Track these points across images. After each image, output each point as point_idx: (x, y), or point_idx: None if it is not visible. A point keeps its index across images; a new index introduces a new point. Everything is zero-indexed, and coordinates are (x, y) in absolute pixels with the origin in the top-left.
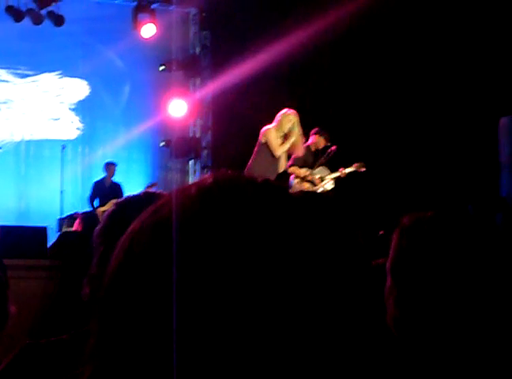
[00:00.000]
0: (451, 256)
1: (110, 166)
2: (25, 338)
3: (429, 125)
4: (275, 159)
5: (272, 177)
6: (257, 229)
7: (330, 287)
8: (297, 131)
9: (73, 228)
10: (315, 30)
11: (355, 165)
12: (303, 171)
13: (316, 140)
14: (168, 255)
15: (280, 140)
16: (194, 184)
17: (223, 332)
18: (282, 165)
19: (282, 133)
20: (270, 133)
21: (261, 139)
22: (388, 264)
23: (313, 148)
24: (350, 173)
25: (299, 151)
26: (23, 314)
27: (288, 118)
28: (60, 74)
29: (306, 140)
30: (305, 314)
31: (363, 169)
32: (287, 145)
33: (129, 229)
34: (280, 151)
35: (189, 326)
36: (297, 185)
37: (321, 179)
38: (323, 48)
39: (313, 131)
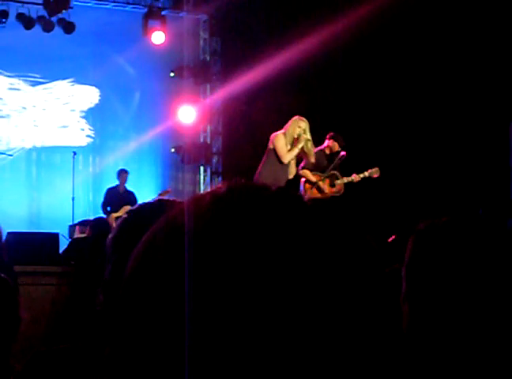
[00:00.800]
0: (466, 261)
1: (122, 174)
2: (38, 343)
3: (440, 129)
4: (284, 166)
5: (282, 183)
6: (272, 237)
7: (345, 293)
8: (306, 137)
9: (85, 234)
10: (325, 36)
11: (370, 171)
12: (314, 175)
13: (331, 145)
14: (183, 263)
15: (288, 147)
16: (208, 192)
17: (237, 339)
18: (292, 171)
19: (291, 139)
20: (278, 139)
21: (270, 145)
22: (403, 270)
23: (327, 152)
24: (363, 178)
25: (311, 158)
26: (35, 320)
27: (296, 123)
28: (70, 81)
29: (317, 145)
30: (321, 320)
31: (377, 175)
32: (294, 151)
33: (144, 237)
34: (288, 157)
35: (203, 332)
36: (307, 191)
37: (333, 184)
38: (333, 54)
39: (328, 135)
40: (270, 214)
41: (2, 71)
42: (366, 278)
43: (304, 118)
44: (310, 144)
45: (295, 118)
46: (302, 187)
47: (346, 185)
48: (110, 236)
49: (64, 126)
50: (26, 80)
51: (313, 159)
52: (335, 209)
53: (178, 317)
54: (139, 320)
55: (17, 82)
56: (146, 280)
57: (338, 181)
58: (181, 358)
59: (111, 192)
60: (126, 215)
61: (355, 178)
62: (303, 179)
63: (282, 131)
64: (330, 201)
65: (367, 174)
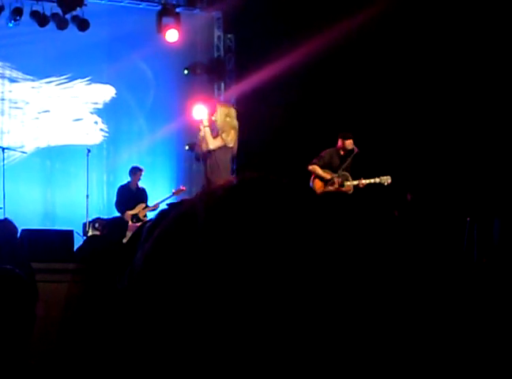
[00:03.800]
0: None
1: (136, 171)
2: (52, 340)
3: (459, 131)
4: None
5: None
6: (283, 228)
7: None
8: (208, 121)
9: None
10: (340, 33)
11: (381, 177)
12: (324, 173)
13: (346, 144)
14: (195, 254)
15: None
16: (221, 185)
17: (244, 331)
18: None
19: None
20: None
21: None
22: None
23: (342, 153)
24: (371, 184)
25: (209, 143)
26: (49, 317)
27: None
28: (87, 80)
29: (331, 145)
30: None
31: (389, 182)
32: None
33: (157, 230)
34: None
35: (207, 323)
36: (317, 188)
37: (342, 185)
38: (349, 51)
39: (340, 134)
40: (281, 205)
41: (17, 71)
42: (379, 273)
43: (221, 103)
44: (207, 128)
45: None
46: (311, 184)
47: (355, 187)
48: (147, 224)
49: (78, 124)
50: (41, 79)
51: (212, 144)
52: (349, 204)
53: (191, 308)
54: (148, 313)
55: (32, 82)
56: (158, 273)
57: (348, 183)
58: (189, 349)
59: (123, 190)
60: (166, 207)
61: (360, 183)
62: (313, 176)
63: None
64: (340, 196)
65: (377, 180)
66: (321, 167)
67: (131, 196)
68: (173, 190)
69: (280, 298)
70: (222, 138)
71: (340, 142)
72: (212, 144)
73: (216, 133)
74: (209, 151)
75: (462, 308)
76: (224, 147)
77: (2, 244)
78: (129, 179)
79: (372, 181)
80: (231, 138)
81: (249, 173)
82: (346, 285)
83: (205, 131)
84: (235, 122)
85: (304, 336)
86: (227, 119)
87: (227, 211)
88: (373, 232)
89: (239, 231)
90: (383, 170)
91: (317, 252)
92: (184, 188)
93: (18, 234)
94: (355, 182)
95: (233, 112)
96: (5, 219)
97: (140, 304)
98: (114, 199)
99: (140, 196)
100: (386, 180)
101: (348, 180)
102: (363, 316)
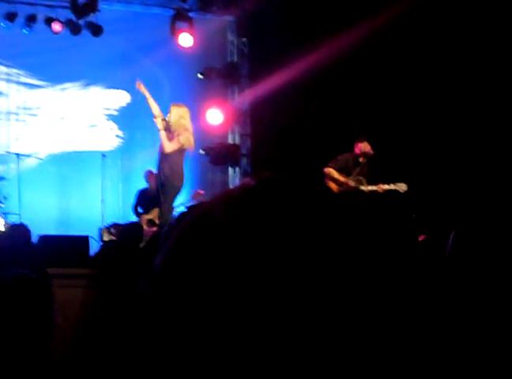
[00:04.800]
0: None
1: (149, 175)
2: (67, 345)
3: (472, 134)
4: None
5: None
6: (300, 228)
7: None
8: (162, 123)
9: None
10: (355, 37)
11: (398, 184)
12: (340, 177)
13: (361, 148)
14: (214, 256)
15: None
16: (238, 186)
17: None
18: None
19: None
20: None
21: None
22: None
23: (360, 159)
24: (389, 190)
25: (166, 147)
26: (65, 322)
27: None
28: (99, 86)
29: (346, 150)
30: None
31: (404, 189)
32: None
33: (176, 231)
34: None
35: (225, 322)
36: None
37: (357, 189)
38: (364, 55)
39: (355, 141)
40: (298, 205)
41: (32, 78)
42: (400, 273)
43: (175, 103)
44: (162, 130)
45: None
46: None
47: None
48: (165, 228)
49: (93, 129)
50: (56, 86)
51: (168, 148)
52: (368, 203)
53: (211, 309)
54: (169, 313)
55: (47, 88)
56: (178, 275)
57: (362, 188)
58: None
59: (142, 194)
60: (185, 210)
61: (379, 188)
62: (326, 178)
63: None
64: (359, 195)
65: (393, 186)
66: (337, 171)
67: (150, 200)
68: (191, 194)
69: (298, 297)
70: (179, 141)
71: (356, 148)
72: (170, 147)
73: (171, 135)
74: (166, 155)
75: (465, 311)
76: (180, 149)
77: (18, 249)
78: (147, 184)
79: (388, 187)
80: (188, 141)
81: (265, 174)
82: (360, 284)
83: (161, 134)
84: (189, 124)
85: (319, 337)
86: (182, 121)
87: (245, 212)
88: (391, 233)
89: (258, 232)
90: (397, 177)
91: (336, 252)
92: (202, 191)
93: (34, 240)
94: (371, 187)
95: (187, 113)
96: (21, 224)
97: (160, 306)
98: (131, 203)
99: (157, 200)
100: (401, 187)
101: (362, 184)
102: (367, 317)
